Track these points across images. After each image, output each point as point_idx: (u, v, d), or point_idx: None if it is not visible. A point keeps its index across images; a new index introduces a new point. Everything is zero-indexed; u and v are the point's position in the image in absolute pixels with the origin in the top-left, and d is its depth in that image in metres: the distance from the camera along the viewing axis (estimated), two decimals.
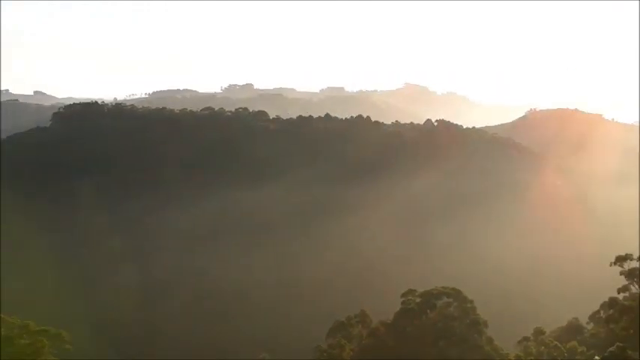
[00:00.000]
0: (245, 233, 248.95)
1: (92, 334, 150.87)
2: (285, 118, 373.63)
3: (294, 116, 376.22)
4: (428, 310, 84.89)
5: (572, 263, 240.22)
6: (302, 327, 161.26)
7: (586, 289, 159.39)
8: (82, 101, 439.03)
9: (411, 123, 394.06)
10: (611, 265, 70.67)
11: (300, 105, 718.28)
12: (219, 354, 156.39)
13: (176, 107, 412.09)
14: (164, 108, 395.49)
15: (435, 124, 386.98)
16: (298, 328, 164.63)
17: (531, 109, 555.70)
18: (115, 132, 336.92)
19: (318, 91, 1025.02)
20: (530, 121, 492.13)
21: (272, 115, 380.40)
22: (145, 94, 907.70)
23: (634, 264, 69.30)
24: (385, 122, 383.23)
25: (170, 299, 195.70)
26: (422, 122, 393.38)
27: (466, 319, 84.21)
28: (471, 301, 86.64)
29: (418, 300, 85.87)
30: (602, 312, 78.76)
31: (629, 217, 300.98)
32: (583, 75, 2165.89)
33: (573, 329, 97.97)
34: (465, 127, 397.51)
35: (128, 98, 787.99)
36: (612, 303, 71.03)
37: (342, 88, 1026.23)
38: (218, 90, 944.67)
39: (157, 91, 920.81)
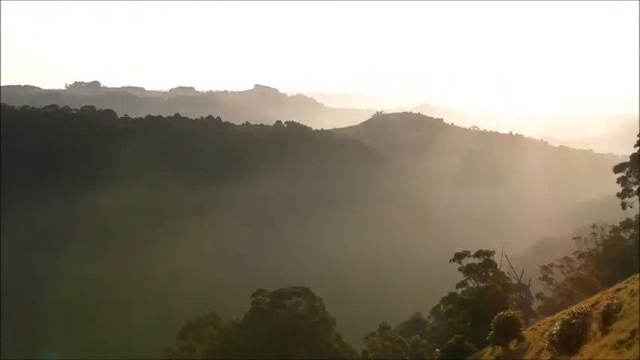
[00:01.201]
0: (90, 237, 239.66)
1: None
2: (133, 118, 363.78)
3: (143, 116, 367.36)
4: (278, 310, 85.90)
5: (417, 260, 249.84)
6: (154, 330, 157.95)
7: (430, 285, 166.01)
8: None
9: (261, 124, 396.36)
10: (450, 262, 74.08)
11: (149, 104, 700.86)
12: None
13: (17, 104, 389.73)
14: (3, 105, 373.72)
15: (285, 125, 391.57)
16: (150, 332, 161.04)
17: (378, 113, 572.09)
18: None
19: (167, 90, 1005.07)
20: (376, 124, 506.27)
21: (120, 114, 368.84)
22: None
23: (471, 260, 73.08)
24: (236, 123, 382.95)
25: (11, 306, 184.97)
26: (272, 124, 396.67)
27: (315, 318, 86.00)
28: (320, 300, 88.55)
29: (268, 300, 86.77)
30: (442, 306, 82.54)
31: (469, 216, 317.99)
32: (428, 81, 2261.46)
33: (416, 324, 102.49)
34: (314, 129, 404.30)
35: None
36: (451, 298, 74.68)
37: (192, 88, 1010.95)
38: (62, 87, 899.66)
39: None
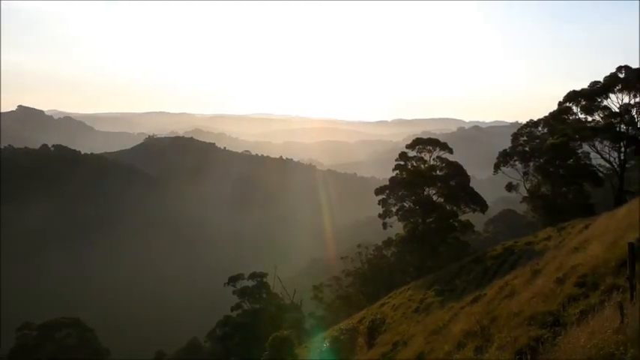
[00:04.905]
0: None
1: None
2: None
3: None
4: (46, 344, 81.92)
5: (192, 284, 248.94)
6: None
7: (206, 309, 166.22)
8: None
9: (26, 148, 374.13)
10: (225, 285, 75.06)
11: None
12: None
13: None
14: None
15: (52, 149, 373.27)
16: None
17: (150, 137, 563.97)
18: None
19: None
20: (150, 148, 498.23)
21: None
22: None
23: (245, 283, 74.60)
24: None
25: None
26: (37, 147, 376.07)
27: (87, 349, 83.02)
28: (92, 330, 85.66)
29: (35, 334, 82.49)
30: (218, 330, 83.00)
31: (242, 239, 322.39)
32: (200, 105, 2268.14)
33: (193, 349, 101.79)
34: (83, 152, 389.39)
35: None
36: (227, 321, 75.49)
37: None
38: None
39: None
